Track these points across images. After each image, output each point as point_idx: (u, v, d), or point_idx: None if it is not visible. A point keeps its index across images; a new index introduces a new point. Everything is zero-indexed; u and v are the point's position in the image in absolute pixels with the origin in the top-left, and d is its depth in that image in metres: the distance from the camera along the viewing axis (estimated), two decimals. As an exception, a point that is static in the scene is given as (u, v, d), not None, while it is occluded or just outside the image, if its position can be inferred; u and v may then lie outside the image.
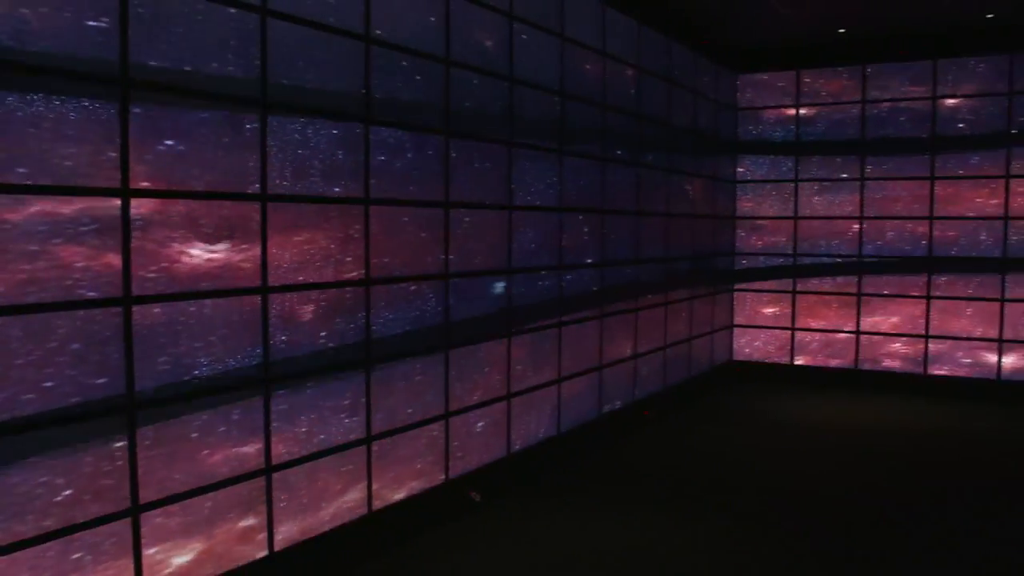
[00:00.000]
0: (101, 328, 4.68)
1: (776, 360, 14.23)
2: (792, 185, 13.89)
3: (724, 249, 14.12)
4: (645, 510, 7.78)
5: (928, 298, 13.04)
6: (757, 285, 14.29)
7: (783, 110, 13.88)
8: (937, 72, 12.71)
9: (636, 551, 6.79)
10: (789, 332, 14.04)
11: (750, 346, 14.42)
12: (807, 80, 13.63)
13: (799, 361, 14.06)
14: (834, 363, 13.81)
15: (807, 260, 13.83)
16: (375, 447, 6.63)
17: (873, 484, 8.64)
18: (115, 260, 4.73)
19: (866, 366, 13.53)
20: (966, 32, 12.37)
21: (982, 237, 12.70)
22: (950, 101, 12.70)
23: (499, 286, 8.15)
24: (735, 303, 14.47)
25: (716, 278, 13.71)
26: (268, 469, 5.74)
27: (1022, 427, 11.28)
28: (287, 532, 5.91)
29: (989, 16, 11.57)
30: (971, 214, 12.74)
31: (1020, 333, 12.57)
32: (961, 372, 12.92)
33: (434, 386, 7.31)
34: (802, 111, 13.71)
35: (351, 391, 6.43)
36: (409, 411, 7.02)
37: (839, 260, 13.64)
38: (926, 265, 13.06)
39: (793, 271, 14.01)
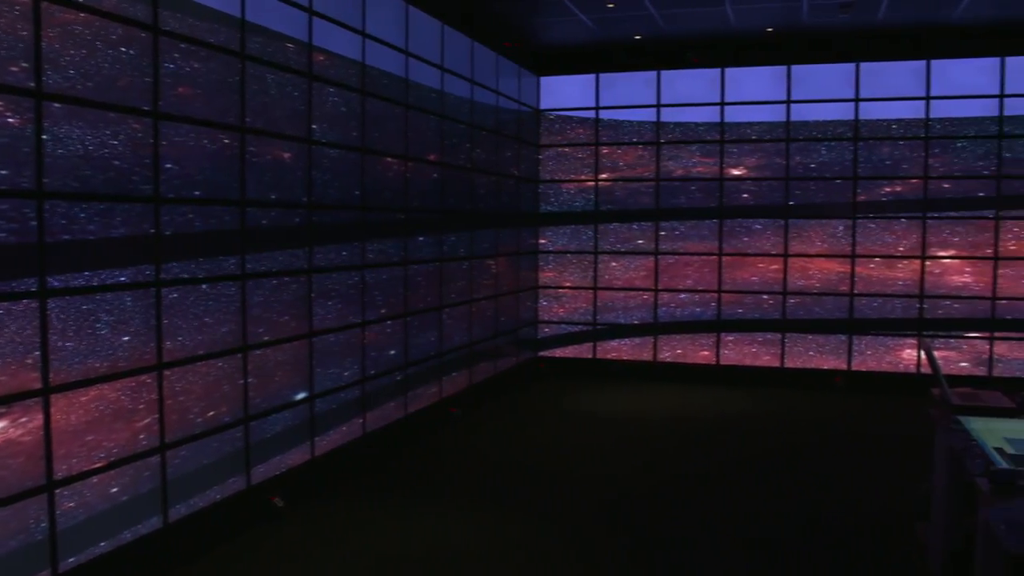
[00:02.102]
0: None
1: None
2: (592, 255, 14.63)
3: (527, 319, 14.57)
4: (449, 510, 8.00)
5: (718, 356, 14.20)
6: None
7: (583, 183, 14.61)
8: (724, 117, 13.76)
9: (440, 552, 6.91)
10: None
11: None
12: (604, 151, 14.43)
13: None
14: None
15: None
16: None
17: (674, 470, 9.35)
18: None
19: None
20: (751, 44, 13.50)
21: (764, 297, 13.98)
22: (735, 171, 13.86)
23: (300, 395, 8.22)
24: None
25: (519, 348, 14.21)
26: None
27: (807, 408, 12.52)
28: None
29: (769, 30, 12.80)
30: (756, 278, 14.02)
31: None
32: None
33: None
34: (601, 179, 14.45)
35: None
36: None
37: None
38: (716, 327, 14.25)
39: (593, 335, 14.84)
